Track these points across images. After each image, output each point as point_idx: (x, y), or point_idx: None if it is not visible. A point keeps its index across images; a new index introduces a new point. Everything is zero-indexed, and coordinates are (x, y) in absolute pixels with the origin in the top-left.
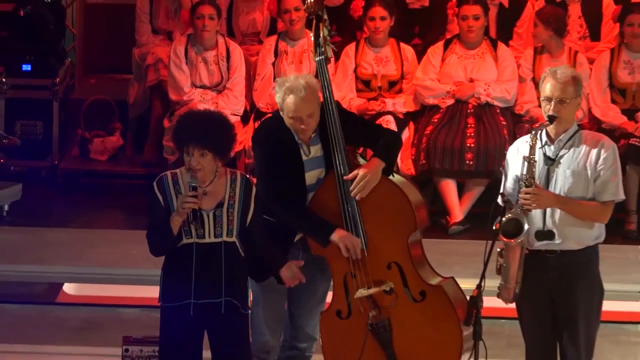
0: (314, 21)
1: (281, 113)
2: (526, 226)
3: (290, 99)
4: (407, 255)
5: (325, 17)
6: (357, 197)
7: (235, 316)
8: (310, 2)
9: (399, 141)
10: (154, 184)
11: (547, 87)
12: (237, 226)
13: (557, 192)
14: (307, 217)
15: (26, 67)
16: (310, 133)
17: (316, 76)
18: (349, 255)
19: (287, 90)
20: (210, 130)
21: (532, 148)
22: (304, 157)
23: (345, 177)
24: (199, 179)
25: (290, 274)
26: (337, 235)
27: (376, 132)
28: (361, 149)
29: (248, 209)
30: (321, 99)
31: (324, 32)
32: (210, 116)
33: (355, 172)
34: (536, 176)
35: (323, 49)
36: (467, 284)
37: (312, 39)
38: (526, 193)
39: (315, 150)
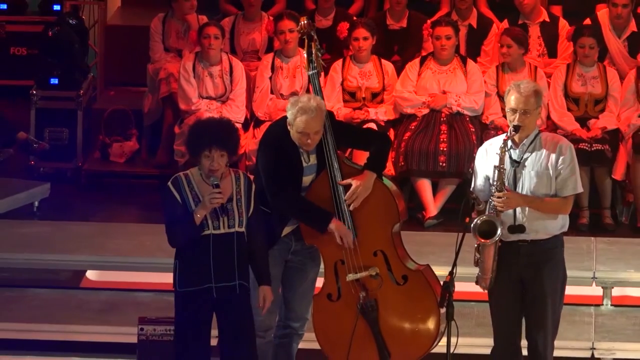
0: (306, 40)
1: (289, 127)
2: (499, 229)
3: (302, 118)
4: (390, 244)
5: (315, 37)
6: (350, 208)
7: (246, 297)
8: (304, 24)
9: (388, 145)
10: (169, 184)
11: (512, 100)
12: (245, 218)
13: (524, 191)
14: (308, 206)
15: (54, 81)
16: (313, 147)
17: (308, 89)
18: (342, 243)
19: (300, 110)
20: (227, 134)
21: (502, 159)
22: (304, 164)
23: (339, 183)
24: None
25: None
26: (334, 224)
27: (367, 137)
28: (347, 153)
29: (250, 203)
30: None
31: (315, 49)
32: (223, 122)
33: (349, 181)
34: (505, 180)
35: (315, 64)
36: (441, 271)
37: (305, 55)
38: (498, 197)
39: (313, 159)
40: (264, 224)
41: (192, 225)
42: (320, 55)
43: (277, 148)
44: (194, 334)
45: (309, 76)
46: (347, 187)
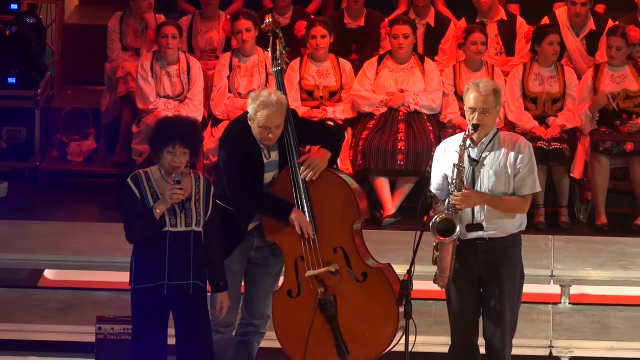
0: (271, 38)
1: (250, 123)
2: (458, 228)
3: (263, 112)
4: (351, 241)
5: (281, 34)
6: (307, 179)
7: (201, 296)
8: (269, 22)
9: (342, 135)
10: (129, 180)
11: (471, 99)
12: (203, 218)
13: (482, 190)
14: (270, 199)
15: (11, 80)
16: (274, 142)
17: (266, 87)
18: (302, 234)
19: (261, 104)
20: (192, 133)
21: (461, 157)
22: (265, 160)
23: (299, 160)
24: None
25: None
26: (294, 214)
27: (325, 131)
28: (307, 148)
29: (208, 206)
30: None
31: (280, 47)
32: (190, 121)
33: (305, 156)
34: (464, 179)
35: (279, 61)
36: (399, 270)
37: (270, 53)
38: (457, 195)
39: (274, 155)
40: (222, 230)
41: (151, 220)
42: (284, 52)
43: (238, 145)
44: (150, 331)
45: (274, 73)
46: (309, 183)
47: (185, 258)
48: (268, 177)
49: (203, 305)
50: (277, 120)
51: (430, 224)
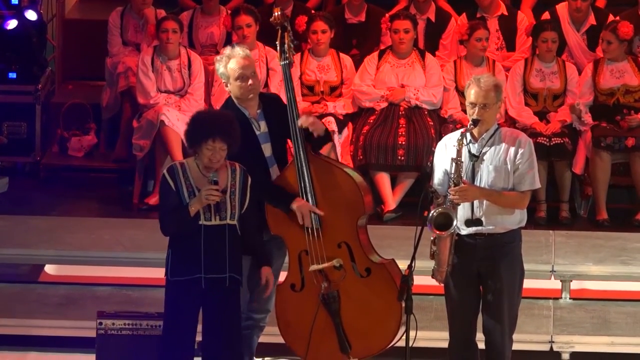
0: (280, 31)
1: (227, 86)
2: (455, 221)
3: (232, 62)
4: (355, 236)
5: (289, 28)
6: (303, 125)
7: (236, 289)
8: (277, 15)
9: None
10: (165, 172)
11: (472, 94)
12: (238, 211)
13: (482, 185)
14: (273, 187)
15: (12, 75)
16: (256, 97)
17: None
18: (309, 232)
19: (226, 58)
20: (231, 127)
21: (460, 151)
22: (257, 132)
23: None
24: (216, 170)
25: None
26: (296, 204)
27: None
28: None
29: (245, 197)
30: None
31: (288, 40)
32: (227, 115)
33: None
34: (463, 173)
35: (288, 55)
36: (400, 264)
37: (278, 46)
38: (455, 190)
39: (263, 126)
40: (258, 216)
41: (185, 216)
42: (292, 46)
43: None
44: (183, 323)
45: (281, 66)
46: (314, 177)
47: (220, 251)
48: (265, 149)
49: (237, 299)
50: (249, 66)
51: (428, 217)
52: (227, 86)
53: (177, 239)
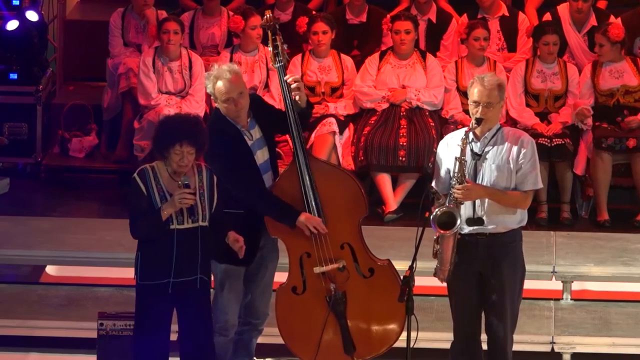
0: (270, 34)
1: (216, 103)
2: (458, 221)
3: (220, 84)
4: (358, 237)
5: (279, 31)
6: (290, 82)
7: (206, 290)
8: (268, 17)
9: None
10: (135, 175)
11: (475, 93)
12: (208, 212)
13: (484, 183)
14: (275, 203)
15: (13, 76)
16: (245, 112)
17: (267, 83)
18: (312, 235)
19: (214, 78)
20: (197, 130)
21: (463, 150)
22: (249, 142)
23: (285, 79)
24: (185, 174)
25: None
26: (303, 218)
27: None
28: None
29: (213, 197)
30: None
31: (280, 42)
32: (193, 118)
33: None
34: (466, 171)
35: (281, 57)
36: (401, 265)
37: (271, 49)
38: (458, 188)
39: (255, 133)
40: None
41: (157, 220)
42: (285, 48)
43: (223, 142)
44: (153, 327)
45: (276, 68)
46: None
47: (192, 254)
48: (259, 156)
49: (206, 300)
50: (236, 88)
51: (431, 216)
52: (216, 104)
53: (148, 242)
